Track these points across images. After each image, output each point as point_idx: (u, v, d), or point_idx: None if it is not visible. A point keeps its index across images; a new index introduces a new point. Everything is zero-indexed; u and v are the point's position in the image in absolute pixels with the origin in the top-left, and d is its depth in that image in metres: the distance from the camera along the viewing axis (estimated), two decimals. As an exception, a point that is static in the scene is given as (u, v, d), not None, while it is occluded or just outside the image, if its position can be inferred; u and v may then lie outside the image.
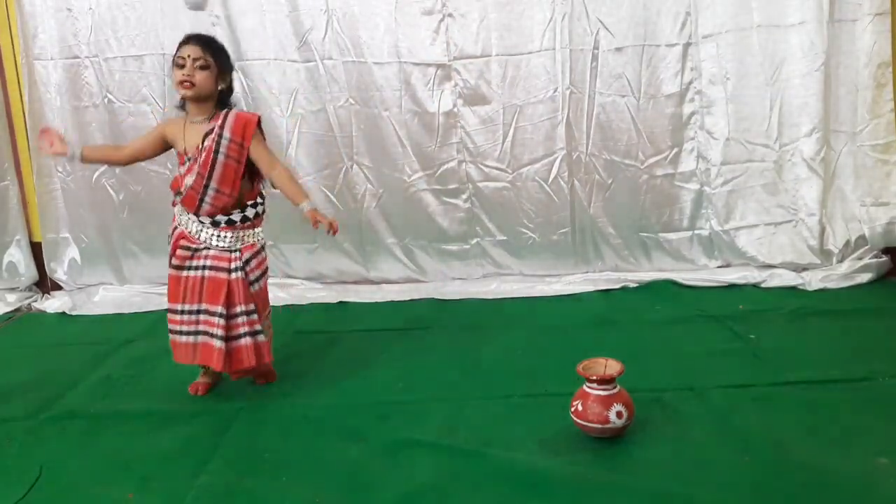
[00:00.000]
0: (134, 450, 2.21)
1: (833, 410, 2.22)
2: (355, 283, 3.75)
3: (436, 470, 2.01)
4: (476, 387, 2.53)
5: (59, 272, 3.84)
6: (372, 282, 3.75)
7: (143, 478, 2.05)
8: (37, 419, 2.45)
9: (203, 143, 2.40)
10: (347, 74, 3.52)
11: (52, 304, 3.72)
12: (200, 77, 2.38)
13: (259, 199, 2.53)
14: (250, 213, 2.49)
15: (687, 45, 3.46)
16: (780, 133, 3.48)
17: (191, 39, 2.42)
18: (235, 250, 2.45)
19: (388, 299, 3.56)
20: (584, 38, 3.45)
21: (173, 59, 2.41)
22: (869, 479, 1.85)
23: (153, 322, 3.43)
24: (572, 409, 2.10)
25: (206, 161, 2.39)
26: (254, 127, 2.43)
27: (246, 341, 2.44)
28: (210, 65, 2.39)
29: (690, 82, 3.49)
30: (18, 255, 3.83)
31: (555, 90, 3.50)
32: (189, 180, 2.43)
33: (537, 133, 3.56)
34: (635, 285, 3.56)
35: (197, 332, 2.45)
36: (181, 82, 2.37)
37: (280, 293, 3.67)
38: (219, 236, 2.44)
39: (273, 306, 3.54)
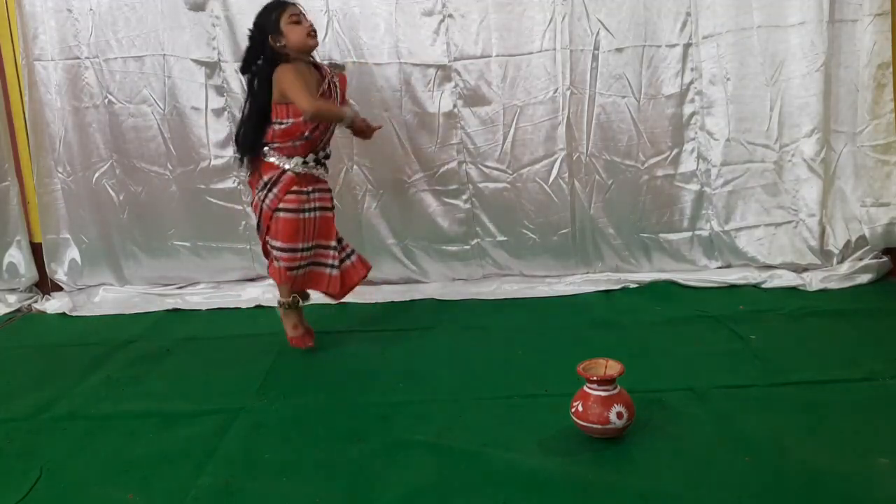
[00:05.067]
0: (134, 450, 2.21)
1: (833, 410, 2.22)
2: (355, 283, 3.75)
3: (436, 470, 2.01)
4: (476, 387, 2.53)
5: (59, 273, 3.84)
6: (372, 282, 3.74)
7: (143, 478, 2.05)
8: (37, 420, 2.45)
9: (328, 85, 2.79)
10: (348, 75, 3.51)
11: (53, 304, 3.72)
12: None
13: None
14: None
15: (687, 46, 3.46)
16: (781, 134, 3.48)
17: (290, 1, 2.74)
18: (329, 190, 2.88)
19: (389, 300, 3.55)
20: (585, 38, 3.45)
21: (280, 18, 2.68)
22: (869, 479, 1.85)
23: (153, 322, 3.44)
24: (572, 410, 2.10)
25: (340, 100, 2.83)
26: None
27: (353, 259, 2.93)
28: None
29: (691, 83, 3.50)
30: (19, 256, 3.83)
31: (555, 91, 3.50)
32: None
33: (537, 134, 3.56)
34: (636, 286, 3.56)
35: (307, 265, 2.83)
36: (310, 33, 2.70)
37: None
38: (323, 171, 2.84)
39: (272, 307, 3.60)
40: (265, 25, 2.71)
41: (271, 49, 2.70)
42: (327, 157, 2.86)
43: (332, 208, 2.87)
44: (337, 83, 2.82)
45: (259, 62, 2.76)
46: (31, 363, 3.01)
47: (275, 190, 2.74)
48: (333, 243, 2.84)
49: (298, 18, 2.68)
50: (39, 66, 3.60)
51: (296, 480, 2.00)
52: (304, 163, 2.75)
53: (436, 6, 3.45)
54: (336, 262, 2.84)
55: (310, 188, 2.76)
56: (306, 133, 2.73)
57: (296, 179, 2.73)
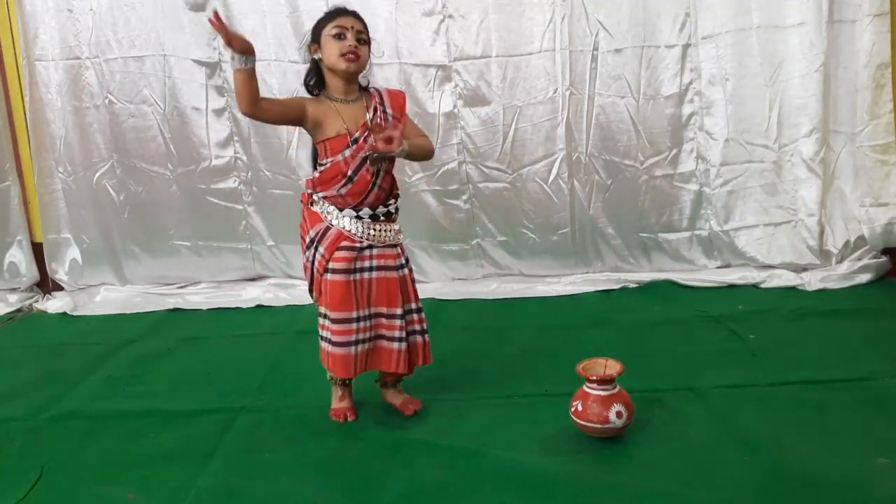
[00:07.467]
0: (134, 450, 2.22)
1: (833, 410, 2.22)
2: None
3: (436, 470, 2.01)
4: (476, 387, 2.53)
5: (60, 272, 3.85)
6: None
7: (143, 478, 2.05)
8: (38, 419, 2.45)
9: (371, 121, 2.21)
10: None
11: (54, 304, 3.72)
12: (364, 52, 2.20)
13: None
14: (399, 203, 2.32)
15: (686, 47, 3.46)
16: (780, 134, 3.48)
17: (346, 12, 2.21)
18: (396, 245, 2.28)
19: (389, 300, 3.55)
20: (584, 39, 3.45)
21: (322, 30, 2.18)
22: (869, 479, 1.85)
23: (154, 322, 3.45)
24: (572, 410, 2.10)
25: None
26: (406, 102, 2.32)
27: (421, 338, 2.31)
28: (369, 40, 2.24)
29: (690, 83, 3.50)
30: (20, 256, 3.84)
31: (554, 91, 3.50)
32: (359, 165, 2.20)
33: (537, 134, 3.56)
34: (635, 286, 3.56)
35: (368, 339, 2.26)
36: (345, 54, 2.15)
37: (281, 293, 3.68)
38: (383, 231, 2.25)
39: (272, 307, 3.61)
40: (313, 31, 2.24)
41: (314, 62, 2.24)
42: (389, 214, 2.27)
43: (398, 268, 2.26)
44: (390, 113, 2.25)
45: (311, 81, 2.28)
46: (32, 363, 3.02)
47: (321, 248, 2.22)
48: (398, 311, 2.25)
49: (342, 32, 2.16)
50: (40, 66, 3.60)
51: (296, 480, 2.00)
52: (358, 218, 2.21)
53: (436, 6, 3.45)
54: (401, 335, 2.26)
55: (366, 242, 2.23)
56: (349, 173, 2.18)
57: (343, 233, 2.22)
